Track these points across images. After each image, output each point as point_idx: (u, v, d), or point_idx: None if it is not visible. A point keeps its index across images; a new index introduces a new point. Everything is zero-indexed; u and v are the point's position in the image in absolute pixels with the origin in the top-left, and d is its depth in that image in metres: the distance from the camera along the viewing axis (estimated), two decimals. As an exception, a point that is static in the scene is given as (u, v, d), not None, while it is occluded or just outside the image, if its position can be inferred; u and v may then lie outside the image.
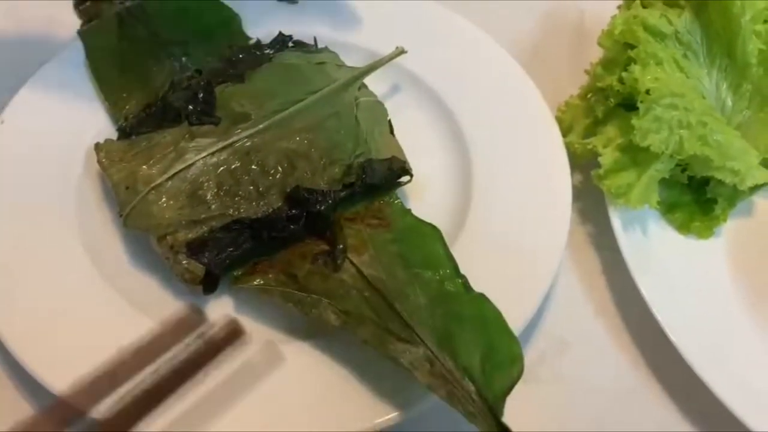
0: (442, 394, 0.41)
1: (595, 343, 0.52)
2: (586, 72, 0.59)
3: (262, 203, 0.48)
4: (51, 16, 0.66)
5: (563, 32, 0.64)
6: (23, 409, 0.47)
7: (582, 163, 0.57)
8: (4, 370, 0.48)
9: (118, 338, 0.44)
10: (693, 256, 0.53)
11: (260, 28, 0.60)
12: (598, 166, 0.53)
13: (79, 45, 0.58)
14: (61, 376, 0.43)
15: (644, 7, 0.55)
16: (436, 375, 0.41)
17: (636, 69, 0.51)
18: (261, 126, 0.51)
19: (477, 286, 0.48)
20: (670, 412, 0.49)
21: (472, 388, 0.41)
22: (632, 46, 0.53)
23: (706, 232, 0.54)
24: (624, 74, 0.52)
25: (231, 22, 0.60)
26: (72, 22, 0.61)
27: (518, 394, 0.48)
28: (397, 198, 0.52)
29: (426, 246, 0.48)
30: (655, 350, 0.51)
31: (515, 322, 0.47)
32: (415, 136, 0.58)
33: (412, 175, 0.52)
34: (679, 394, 0.50)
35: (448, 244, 0.49)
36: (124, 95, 0.56)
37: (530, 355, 0.51)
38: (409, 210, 0.51)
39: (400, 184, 0.52)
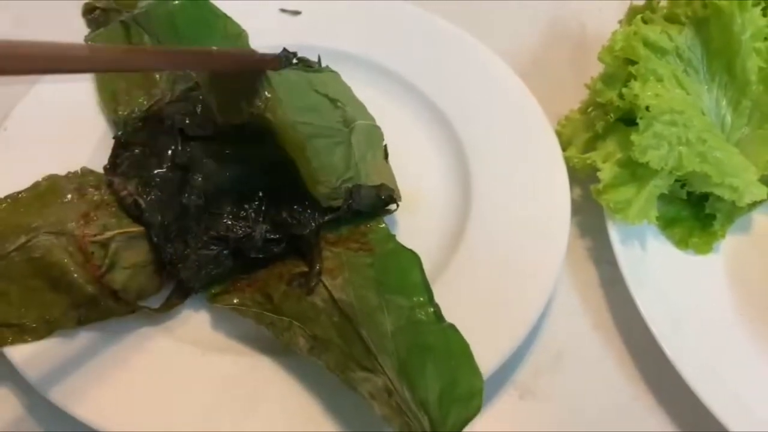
0: (396, 426, 0.41)
1: (592, 357, 0.52)
2: (587, 86, 0.59)
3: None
4: (58, 24, 0.66)
5: (564, 46, 0.65)
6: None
7: (581, 177, 0.57)
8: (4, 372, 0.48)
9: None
10: (691, 272, 0.54)
11: (264, 40, 0.60)
12: (598, 180, 0.53)
13: (84, 53, 0.59)
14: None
15: (645, 22, 0.55)
16: (392, 406, 0.41)
17: (636, 85, 0.52)
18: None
19: (475, 298, 0.49)
20: (665, 426, 0.49)
21: (426, 422, 0.40)
22: (633, 62, 0.53)
23: (704, 247, 0.54)
24: (624, 90, 0.53)
25: (239, 38, 0.61)
26: (79, 29, 0.62)
27: (514, 408, 0.49)
28: (383, 223, 0.51)
29: (403, 271, 0.47)
30: (651, 364, 0.51)
31: (513, 335, 0.47)
32: (414, 149, 0.59)
33: (398, 204, 0.52)
34: (675, 409, 0.50)
35: (445, 256, 0.49)
36: (126, 101, 0.56)
37: (527, 369, 0.51)
38: (393, 236, 0.50)
39: (388, 212, 0.52)
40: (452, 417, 0.41)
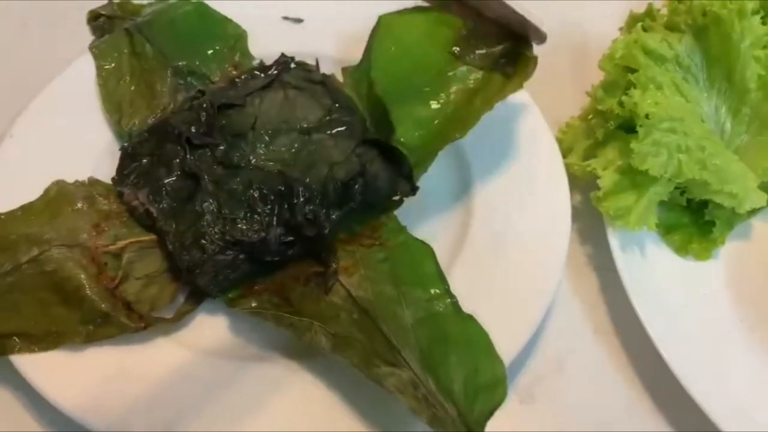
0: (425, 418, 0.41)
1: (592, 363, 0.53)
2: (588, 94, 0.59)
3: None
4: (63, 31, 0.67)
5: (565, 53, 0.65)
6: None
7: (582, 184, 0.58)
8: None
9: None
10: (691, 278, 0.54)
11: (266, 48, 0.61)
12: (598, 187, 0.53)
13: (89, 60, 0.60)
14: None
15: (645, 30, 0.55)
16: (419, 399, 0.42)
17: (636, 93, 0.52)
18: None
19: (476, 305, 0.49)
20: (664, 430, 0.50)
21: (454, 411, 0.41)
22: (633, 70, 0.54)
23: (704, 254, 0.55)
24: (624, 98, 0.53)
25: (238, 39, 0.61)
26: (83, 37, 0.62)
27: (515, 412, 0.50)
28: (393, 216, 0.52)
29: (418, 264, 0.48)
30: (651, 370, 0.52)
31: (515, 341, 0.47)
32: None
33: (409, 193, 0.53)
34: (674, 414, 0.50)
35: (447, 263, 0.49)
36: (129, 113, 0.57)
37: (528, 374, 0.52)
38: (405, 228, 0.51)
39: (394, 204, 0.53)
40: (479, 405, 0.42)
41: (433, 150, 0.52)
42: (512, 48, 0.52)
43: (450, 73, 0.54)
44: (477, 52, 0.53)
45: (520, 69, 0.52)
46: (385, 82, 0.55)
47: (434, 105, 0.54)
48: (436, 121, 0.53)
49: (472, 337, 0.45)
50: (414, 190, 0.52)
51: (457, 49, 0.54)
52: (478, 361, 0.43)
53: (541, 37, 0.52)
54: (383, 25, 0.56)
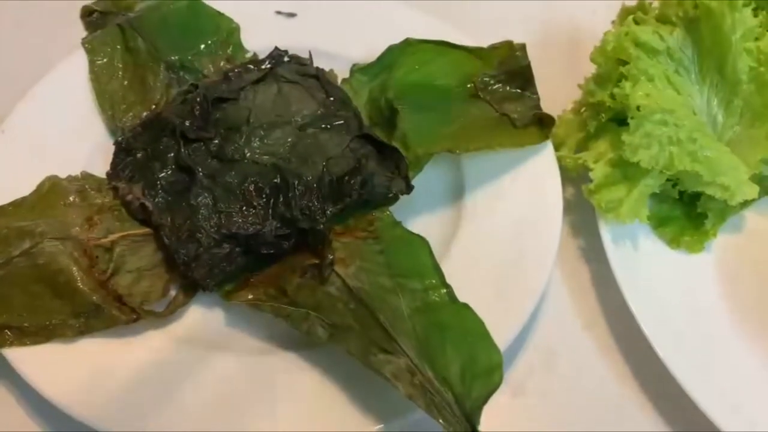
0: (421, 404, 0.42)
1: (584, 356, 0.53)
2: (580, 87, 0.59)
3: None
4: (55, 27, 0.67)
5: (558, 47, 0.65)
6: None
7: (574, 177, 0.58)
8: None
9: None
10: (682, 270, 0.54)
11: (259, 42, 0.61)
12: (590, 180, 0.53)
13: (81, 56, 0.60)
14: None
15: (637, 23, 0.55)
16: (416, 385, 0.42)
17: (627, 85, 0.52)
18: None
19: (467, 298, 0.49)
20: (656, 424, 0.50)
21: (450, 397, 0.42)
22: (624, 62, 0.54)
23: (696, 246, 0.55)
24: (615, 90, 0.53)
25: (231, 33, 0.62)
26: (76, 32, 0.62)
27: (507, 406, 0.50)
28: (388, 210, 0.52)
29: (413, 256, 0.49)
30: (642, 364, 0.52)
31: (505, 333, 0.48)
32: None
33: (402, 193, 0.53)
34: (666, 407, 0.50)
35: (438, 255, 0.49)
36: (123, 108, 0.57)
37: (519, 367, 0.52)
38: (399, 222, 0.51)
39: (389, 200, 0.53)
40: (475, 391, 0.42)
41: (429, 152, 0.53)
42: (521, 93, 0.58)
43: (463, 101, 0.57)
44: (492, 93, 0.58)
45: (532, 124, 0.56)
46: (401, 89, 0.57)
47: (440, 117, 0.56)
48: (438, 129, 0.55)
49: (468, 325, 0.45)
50: (409, 188, 0.52)
51: (474, 86, 0.58)
52: (474, 348, 0.44)
53: None
54: (410, 45, 0.60)
